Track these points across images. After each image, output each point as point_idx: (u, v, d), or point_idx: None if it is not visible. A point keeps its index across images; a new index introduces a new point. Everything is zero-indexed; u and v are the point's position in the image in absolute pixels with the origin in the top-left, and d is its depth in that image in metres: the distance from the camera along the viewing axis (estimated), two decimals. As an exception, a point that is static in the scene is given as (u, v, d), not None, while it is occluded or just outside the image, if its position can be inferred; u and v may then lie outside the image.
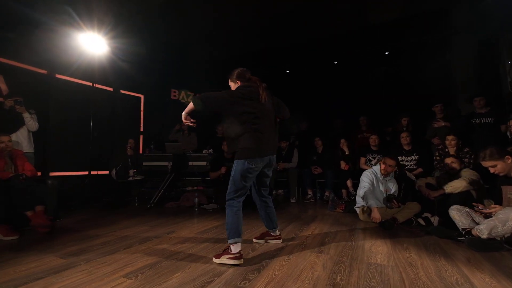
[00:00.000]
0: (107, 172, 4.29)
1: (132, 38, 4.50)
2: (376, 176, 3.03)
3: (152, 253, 1.93)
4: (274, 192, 5.01)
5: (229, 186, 1.85)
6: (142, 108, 5.58)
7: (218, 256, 1.73)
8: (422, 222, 2.74)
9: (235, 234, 1.74)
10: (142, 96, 5.58)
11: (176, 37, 5.29)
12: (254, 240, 2.23)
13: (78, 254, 1.90)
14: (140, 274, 1.55)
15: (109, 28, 4.08)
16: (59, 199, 3.19)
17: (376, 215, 2.68)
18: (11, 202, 2.54)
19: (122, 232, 2.50)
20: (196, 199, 3.76)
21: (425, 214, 2.80)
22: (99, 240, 2.27)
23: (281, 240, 2.18)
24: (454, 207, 2.36)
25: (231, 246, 1.72)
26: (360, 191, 2.95)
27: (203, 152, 4.60)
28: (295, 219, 3.07)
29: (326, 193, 4.34)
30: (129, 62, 4.80)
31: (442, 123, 3.88)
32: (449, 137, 3.29)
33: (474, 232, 2.02)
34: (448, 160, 2.88)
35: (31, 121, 3.40)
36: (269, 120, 1.90)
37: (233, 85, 2.03)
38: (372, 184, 2.95)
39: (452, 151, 3.25)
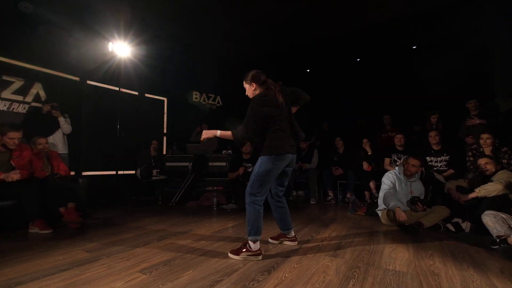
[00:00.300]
0: (132, 172, 4.53)
1: (155, 44, 4.72)
2: (399, 178, 2.86)
3: (168, 250, 1.99)
4: (294, 193, 4.95)
5: (251, 182, 1.87)
6: (165, 111, 5.81)
7: (237, 252, 1.77)
8: (451, 228, 2.53)
9: (257, 231, 1.80)
10: (165, 99, 5.82)
11: (197, 41, 5.44)
12: (269, 239, 2.23)
13: (102, 249, 2.02)
14: (154, 270, 1.61)
15: (134, 35, 4.31)
16: (89, 197, 3.43)
17: (401, 214, 2.51)
18: (46, 199, 2.77)
19: (144, 230, 2.62)
20: (214, 199, 3.82)
21: (455, 220, 2.59)
22: (122, 236, 2.39)
23: (296, 242, 2.14)
24: (488, 212, 2.15)
25: (251, 243, 1.78)
26: (380, 194, 2.80)
27: (223, 152, 4.67)
28: (313, 221, 3.00)
29: (348, 195, 4.20)
30: (152, 67, 5.03)
31: (477, 121, 3.58)
32: (484, 136, 3.01)
33: (510, 240, 1.83)
34: (482, 161, 2.64)
35: (65, 125, 3.70)
36: (287, 122, 1.95)
37: (248, 87, 2.06)
38: (394, 186, 2.79)
39: (487, 151, 2.97)
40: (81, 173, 4.30)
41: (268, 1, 4.28)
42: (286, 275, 1.54)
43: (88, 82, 4.51)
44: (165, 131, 5.75)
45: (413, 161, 2.76)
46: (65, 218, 2.73)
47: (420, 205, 2.61)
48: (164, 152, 5.44)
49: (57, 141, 3.70)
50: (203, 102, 6.26)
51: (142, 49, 4.54)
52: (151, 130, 5.32)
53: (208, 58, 5.87)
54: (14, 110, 3.61)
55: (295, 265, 1.69)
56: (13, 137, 2.50)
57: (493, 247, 1.93)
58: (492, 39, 4.34)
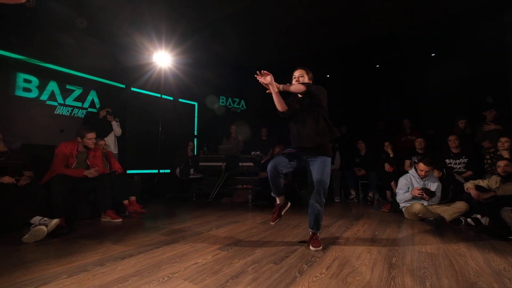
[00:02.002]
0: (168, 170, 4.97)
1: (189, 54, 5.15)
2: (414, 177, 3.25)
3: (230, 236, 2.38)
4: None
5: (325, 183, 1.99)
6: (196, 114, 6.25)
7: (318, 245, 2.00)
8: (471, 222, 2.84)
9: (320, 226, 2.10)
10: (196, 104, 6.26)
11: (225, 49, 5.83)
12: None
13: (173, 234, 2.42)
14: (230, 249, 1.99)
15: (174, 46, 4.76)
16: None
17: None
18: (113, 192, 3.21)
19: (198, 220, 3.02)
20: (250, 196, 4.22)
21: (475, 215, 2.89)
22: (183, 225, 2.79)
23: None
24: (506, 208, 2.47)
25: (318, 235, 2.09)
26: (397, 197, 3.28)
27: (252, 154, 5.06)
28: (343, 216, 3.33)
29: (370, 194, 4.52)
30: (186, 74, 5.47)
31: (493, 127, 3.84)
32: (503, 139, 3.29)
33: (525, 231, 2.14)
34: (501, 163, 2.94)
35: (117, 128, 4.16)
36: None
37: (306, 79, 2.28)
38: (408, 189, 3.24)
39: (505, 153, 3.25)
40: (126, 172, 4.75)
41: (289, 10, 4.60)
42: (338, 253, 1.91)
43: (133, 89, 4.98)
44: (196, 133, 6.19)
45: (420, 166, 3.14)
46: (130, 209, 3.17)
47: (423, 194, 3.03)
48: (195, 153, 5.86)
49: (110, 142, 4.15)
50: (229, 106, 6.68)
51: (179, 58, 4.99)
52: (185, 133, 5.76)
53: (232, 65, 6.26)
54: (75, 115, 4.09)
55: (343, 247, 2.05)
56: (91, 137, 2.95)
57: (510, 237, 2.24)
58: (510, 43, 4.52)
